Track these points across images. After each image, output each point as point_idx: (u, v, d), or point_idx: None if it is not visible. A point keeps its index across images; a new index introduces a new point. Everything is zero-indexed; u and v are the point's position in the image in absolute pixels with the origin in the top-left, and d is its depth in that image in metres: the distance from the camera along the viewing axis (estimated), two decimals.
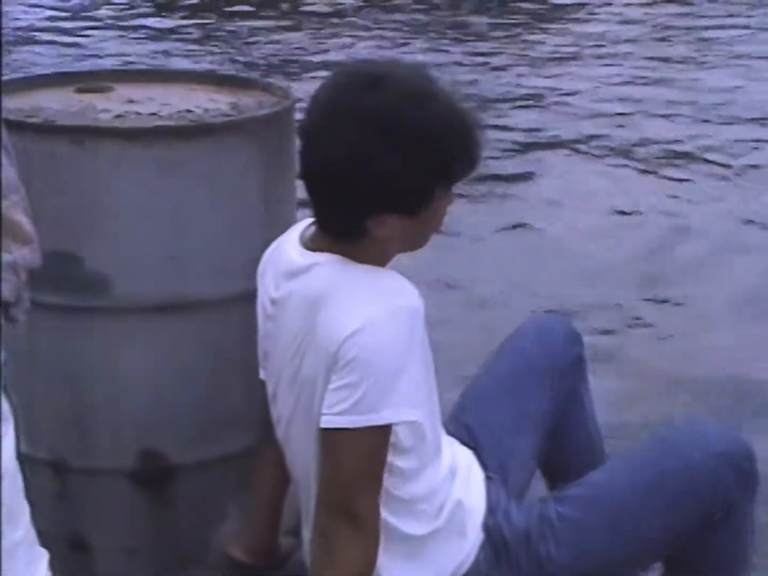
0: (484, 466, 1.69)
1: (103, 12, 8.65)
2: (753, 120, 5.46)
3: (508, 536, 1.60)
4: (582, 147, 5.07)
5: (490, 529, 1.60)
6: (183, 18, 8.36)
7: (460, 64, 6.67)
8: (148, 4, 8.98)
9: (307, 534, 1.57)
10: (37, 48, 7.18)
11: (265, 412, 1.63)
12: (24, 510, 1.15)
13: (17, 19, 8.12)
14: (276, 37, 7.66)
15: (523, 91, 6.02)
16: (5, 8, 7.95)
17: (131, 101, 1.89)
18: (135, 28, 7.97)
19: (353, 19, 8.37)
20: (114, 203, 1.69)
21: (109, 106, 1.85)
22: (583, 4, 8.78)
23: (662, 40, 7.50)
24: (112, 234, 1.70)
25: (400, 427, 1.42)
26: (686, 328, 3.27)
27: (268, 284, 1.57)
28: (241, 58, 6.98)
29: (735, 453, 1.63)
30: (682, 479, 1.61)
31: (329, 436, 1.41)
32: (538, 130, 5.30)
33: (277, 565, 1.74)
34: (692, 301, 3.45)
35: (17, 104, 1.85)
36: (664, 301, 3.46)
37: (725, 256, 3.80)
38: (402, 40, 7.43)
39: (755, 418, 2.64)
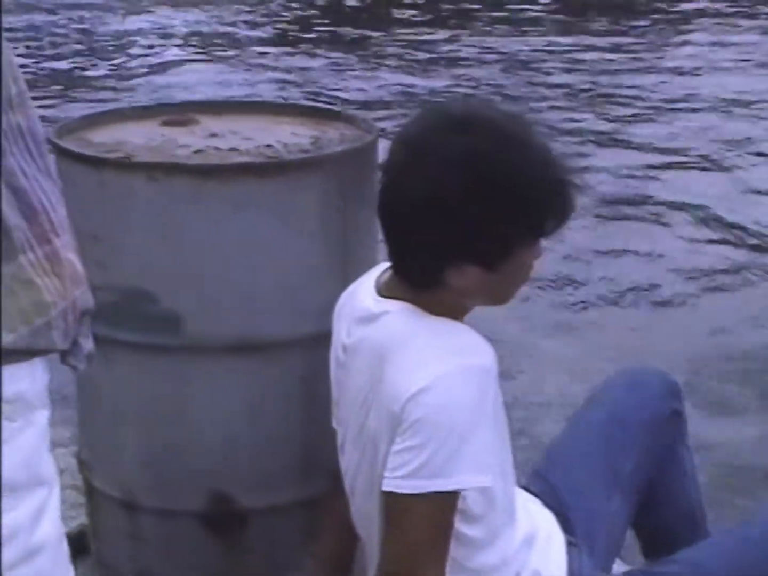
0: (568, 530, 1.58)
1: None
2: None
3: None
4: None
5: None
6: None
7: None
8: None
9: None
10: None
11: (336, 460, 1.57)
12: None
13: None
14: None
15: None
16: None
17: (213, 135, 1.86)
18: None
19: None
20: (188, 240, 1.66)
21: (191, 141, 1.82)
22: None
23: None
24: (185, 272, 1.67)
25: (468, 492, 1.33)
26: None
27: (342, 329, 1.51)
28: None
29: None
30: None
31: (391, 500, 1.33)
32: None
33: None
34: None
35: (102, 138, 1.85)
36: None
37: None
38: None
39: None
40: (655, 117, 6.48)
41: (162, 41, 9.52)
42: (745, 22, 9.87)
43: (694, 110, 6.59)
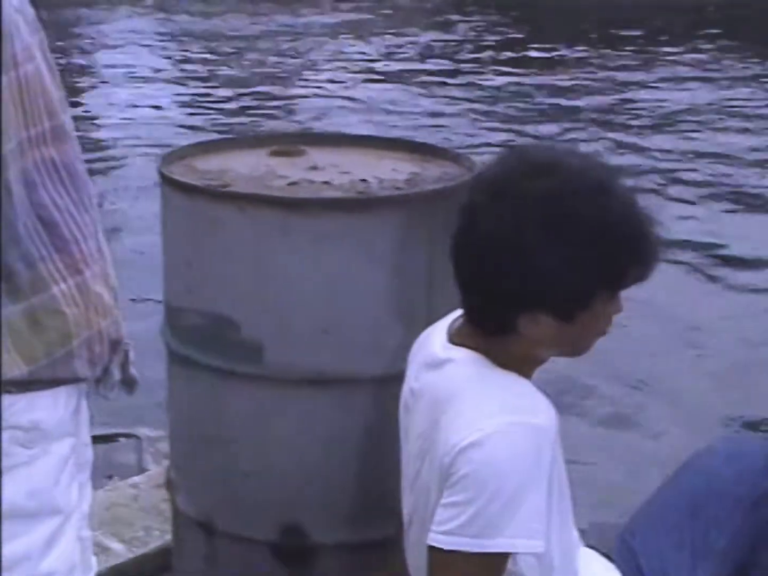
0: None
1: None
2: None
3: None
4: None
5: None
6: None
7: None
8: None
9: None
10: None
11: None
12: None
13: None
14: None
15: None
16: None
17: (313, 168, 1.87)
18: None
19: None
20: (272, 271, 1.67)
21: (290, 172, 1.84)
22: None
23: None
24: (268, 302, 1.68)
25: (521, 556, 1.28)
26: None
27: (412, 372, 1.48)
28: None
29: None
30: None
31: (435, 555, 1.28)
32: None
33: None
34: None
35: (209, 165, 1.89)
36: None
37: None
38: None
39: None
40: None
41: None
42: None
43: None
